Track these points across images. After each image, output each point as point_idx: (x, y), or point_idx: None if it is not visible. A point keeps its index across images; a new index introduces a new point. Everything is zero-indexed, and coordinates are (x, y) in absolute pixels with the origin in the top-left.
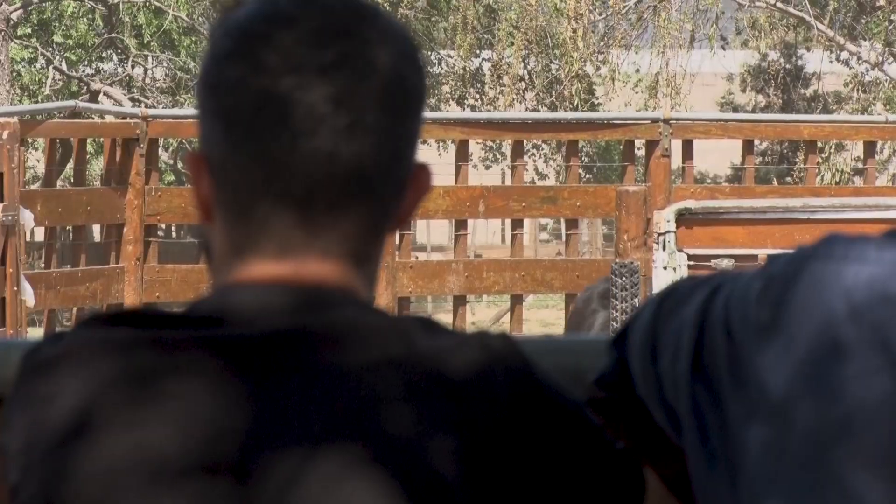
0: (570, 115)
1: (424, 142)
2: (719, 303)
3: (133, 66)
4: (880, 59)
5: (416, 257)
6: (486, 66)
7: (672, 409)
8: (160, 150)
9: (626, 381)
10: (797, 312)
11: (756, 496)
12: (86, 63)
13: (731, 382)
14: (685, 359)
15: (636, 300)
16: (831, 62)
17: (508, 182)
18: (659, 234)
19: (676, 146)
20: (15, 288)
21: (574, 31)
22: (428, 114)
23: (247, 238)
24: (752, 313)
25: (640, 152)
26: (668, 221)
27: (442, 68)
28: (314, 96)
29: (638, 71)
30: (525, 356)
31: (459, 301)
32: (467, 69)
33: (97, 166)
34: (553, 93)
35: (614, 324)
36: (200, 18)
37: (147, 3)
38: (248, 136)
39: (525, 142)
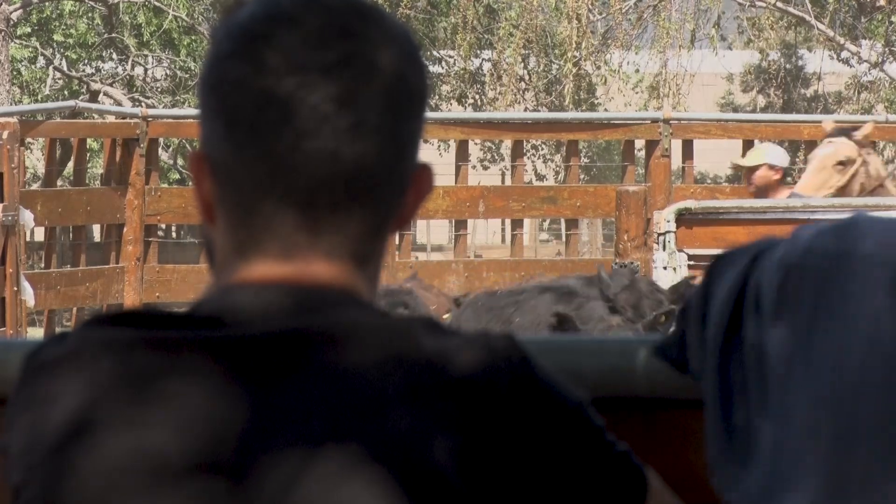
0: (570, 115)
1: (426, 141)
2: (755, 276)
3: (133, 66)
4: (881, 59)
5: (416, 257)
6: (487, 66)
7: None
8: (160, 150)
9: (685, 354)
10: (803, 305)
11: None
12: (86, 62)
13: (752, 356)
14: (720, 323)
15: None
16: (832, 59)
17: (508, 182)
18: (659, 234)
19: (676, 146)
20: (15, 288)
21: (574, 30)
22: (428, 114)
23: (250, 238)
24: (772, 300)
25: (640, 152)
26: (668, 221)
27: (442, 68)
28: (317, 96)
29: (638, 71)
30: (528, 356)
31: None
32: (467, 69)
33: (97, 166)
34: (553, 93)
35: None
36: (200, 18)
37: (147, 3)
38: (250, 135)
39: (524, 142)
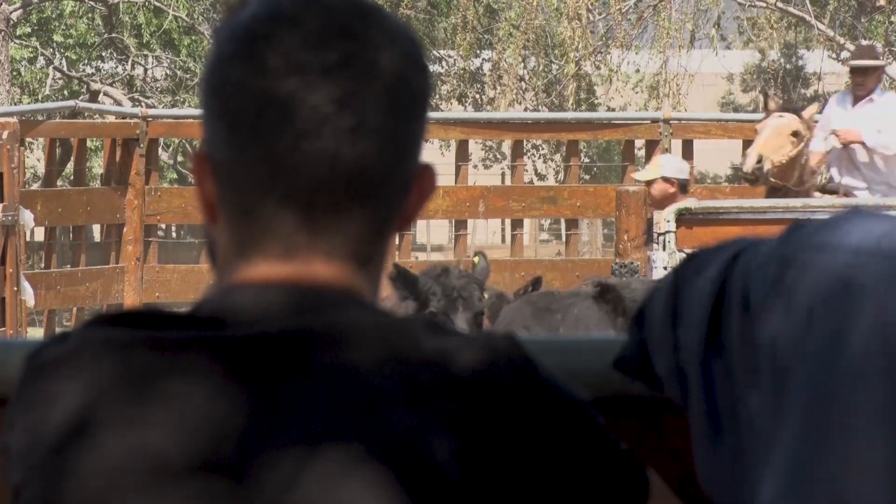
0: (570, 115)
1: (426, 141)
2: (738, 272)
3: (133, 66)
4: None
5: (416, 257)
6: (487, 66)
7: (686, 379)
8: (160, 150)
9: (645, 362)
10: (792, 295)
11: (758, 456)
12: (86, 63)
13: (741, 347)
14: (701, 322)
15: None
16: (832, 59)
17: (508, 182)
18: (659, 234)
19: (676, 146)
20: (15, 288)
21: (574, 31)
22: (428, 114)
23: (251, 238)
24: (764, 290)
25: (640, 152)
26: (668, 221)
27: (442, 67)
28: (318, 97)
29: (638, 71)
30: (530, 356)
31: None
32: (467, 69)
33: (97, 166)
34: (553, 93)
35: None
36: (200, 18)
37: (147, 3)
38: (251, 136)
39: (525, 142)
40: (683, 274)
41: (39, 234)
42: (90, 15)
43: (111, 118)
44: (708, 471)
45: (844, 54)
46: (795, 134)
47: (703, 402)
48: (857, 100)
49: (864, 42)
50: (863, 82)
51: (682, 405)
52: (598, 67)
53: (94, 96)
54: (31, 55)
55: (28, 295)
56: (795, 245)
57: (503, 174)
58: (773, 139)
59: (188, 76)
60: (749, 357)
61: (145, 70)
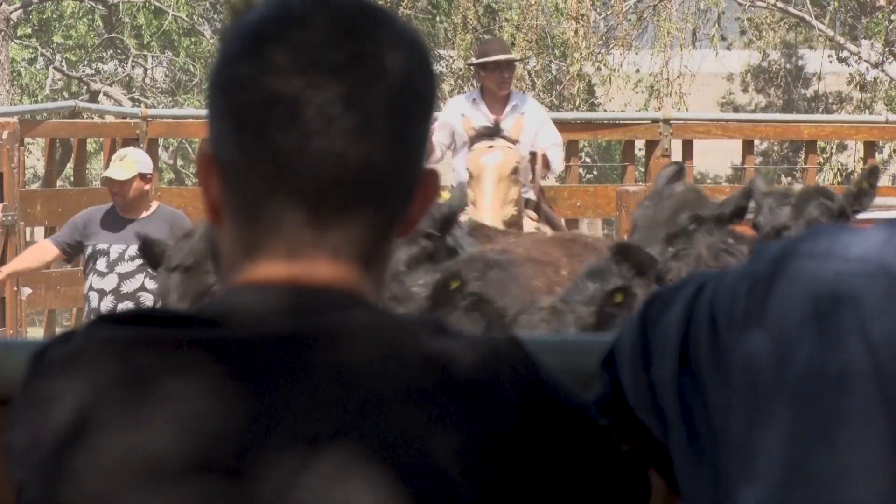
0: (570, 115)
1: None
2: (705, 299)
3: (133, 67)
4: (881, 58)
5: None
6: None
7: (664, 415)
8: (160, 150)
9: (622, 403)
10: (778, 306)
11: (741, 460)
12: (86, 63)
13: (713, 372)
14: (672, 355)
15: None
16: (831, 61)
17: None
18: None
19: (676, 146)
20: (15, 288)
21: (575, 31)
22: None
23: (256, 238)
24: (739, 308)
25: (640, 152)
26: None
27: (441, 66)
28: (325, 96)
29: (638, 71)
30: (532, 358)
31: None
32: (468, 69)
33: (97, 166)
34: (553, 93)
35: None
36: (200, 19)
37: (147, 4)
38: (257, 135)
39: None
40: (649, 314)
41: (39, 234)
42: (90, 16)
43: (111, 118)
44: (691, 498)
45: (844, 54)
46: (515, 171)
47: (684, 432)
48: (494, 103)
49: (494, 36)
50: (509, 79)
51: (661, 438)
52: (598, 68)
53: (93, 97)
54: (31, 56)
55: (25, 295)
56: (764, 262)
57: None
58: (496, 192)
59: (188, 77)
60: (721, 372)
61: (145, 71)
